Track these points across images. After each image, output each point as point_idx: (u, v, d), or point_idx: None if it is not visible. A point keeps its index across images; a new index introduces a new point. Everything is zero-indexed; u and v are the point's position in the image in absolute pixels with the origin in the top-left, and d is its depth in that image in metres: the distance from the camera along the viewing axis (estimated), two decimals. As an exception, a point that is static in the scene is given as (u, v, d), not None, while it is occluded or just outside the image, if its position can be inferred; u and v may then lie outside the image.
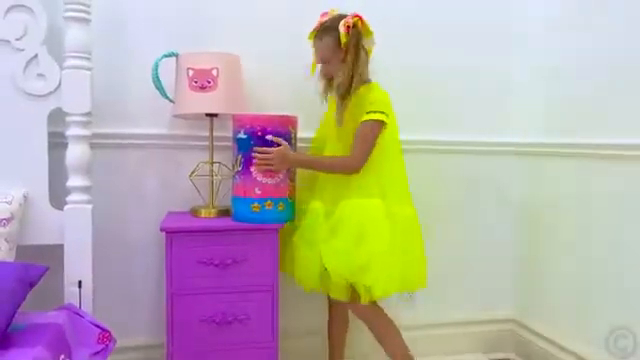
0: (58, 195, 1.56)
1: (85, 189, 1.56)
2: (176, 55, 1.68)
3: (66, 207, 1.54)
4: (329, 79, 1.68)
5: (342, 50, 1.59)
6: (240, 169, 1.62)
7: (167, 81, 1.69)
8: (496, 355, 2.16)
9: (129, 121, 1.78)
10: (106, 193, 1.73)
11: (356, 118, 1.59)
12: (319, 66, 1.68)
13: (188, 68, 1.63)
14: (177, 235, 1.57)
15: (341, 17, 1.59)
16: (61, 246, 1.54)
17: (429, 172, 2.01)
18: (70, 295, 1.54)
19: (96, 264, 1.57)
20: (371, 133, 1.59)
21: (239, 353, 1.62)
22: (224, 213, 1.72)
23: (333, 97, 1.68)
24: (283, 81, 1.87)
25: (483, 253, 2.16)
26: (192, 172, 1.74)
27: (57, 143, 1.57)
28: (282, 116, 1.64)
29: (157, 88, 1.67)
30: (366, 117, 1.57)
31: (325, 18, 1.62)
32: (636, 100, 1.63)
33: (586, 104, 1.83)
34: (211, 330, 1.60)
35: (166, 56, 1.67)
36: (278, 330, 1.64)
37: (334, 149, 1.69)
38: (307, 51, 1.67)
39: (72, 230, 1.53)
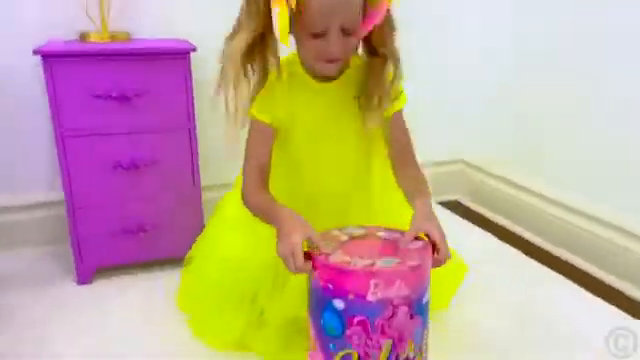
0: None
1: None
2: None
3: None
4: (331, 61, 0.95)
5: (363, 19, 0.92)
6: None
7: None
8: (445, 197, 2.05)
9: None
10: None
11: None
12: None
13: None
14: (59, 60, 1.23)
15: None
16: None
17: None
18: None
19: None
20: None
21: (155, 199, 1.39)
22: (121, 39, 1.38)
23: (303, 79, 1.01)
24: None
25: (444, 95, 1.94)
26: (75, -14, 1.36)
27: None
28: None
29: None
30: (398, 106, 1.03)
31: None
32: None
33: None
34: (119, 177, 1.34)
35: None
36: (199, 172, 1.41)
37: (347, 159, 1.06)
38: None
39: None
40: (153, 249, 1.42)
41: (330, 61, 0.94)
